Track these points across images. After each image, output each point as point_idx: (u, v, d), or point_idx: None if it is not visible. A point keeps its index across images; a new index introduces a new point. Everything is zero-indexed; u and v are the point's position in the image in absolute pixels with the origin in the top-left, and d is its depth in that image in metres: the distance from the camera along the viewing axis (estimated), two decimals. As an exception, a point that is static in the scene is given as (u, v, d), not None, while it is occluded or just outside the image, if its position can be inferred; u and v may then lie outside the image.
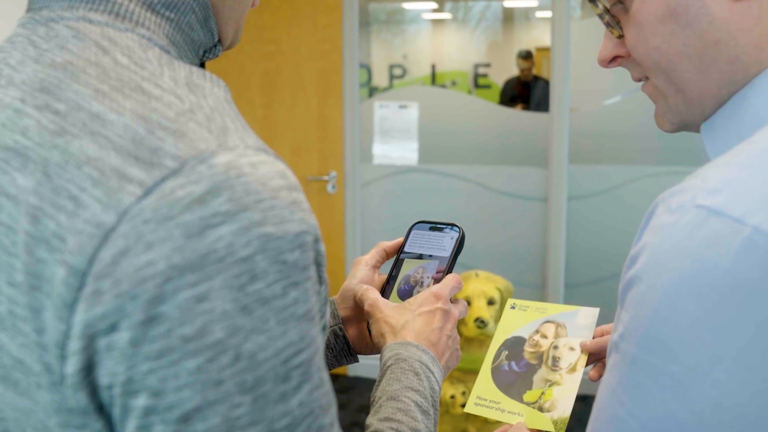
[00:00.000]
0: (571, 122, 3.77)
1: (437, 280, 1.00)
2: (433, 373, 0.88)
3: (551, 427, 1.07)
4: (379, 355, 0.94)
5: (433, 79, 7.70)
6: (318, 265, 0.59)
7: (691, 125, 0.73)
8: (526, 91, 5.76)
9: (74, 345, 0.51)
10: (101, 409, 0.53)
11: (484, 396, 1.14)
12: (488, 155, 4.04)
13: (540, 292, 3.89)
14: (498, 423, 2.58)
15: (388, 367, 0.87)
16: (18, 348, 0.53)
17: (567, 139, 3.73)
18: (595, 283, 3.86)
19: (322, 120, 4.02)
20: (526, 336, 1.20)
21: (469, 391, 3.06)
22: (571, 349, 1.16)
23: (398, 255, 1.06)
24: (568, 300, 3.81)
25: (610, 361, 0.63)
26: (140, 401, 0.51)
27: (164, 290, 0.50)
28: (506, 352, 1.19)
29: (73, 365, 0.51)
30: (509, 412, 1.11)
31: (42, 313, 0.51)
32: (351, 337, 1.03)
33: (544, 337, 1.19)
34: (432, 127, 4.10)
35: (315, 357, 0.57)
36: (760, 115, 0.66)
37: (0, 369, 0.55)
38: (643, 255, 0.60)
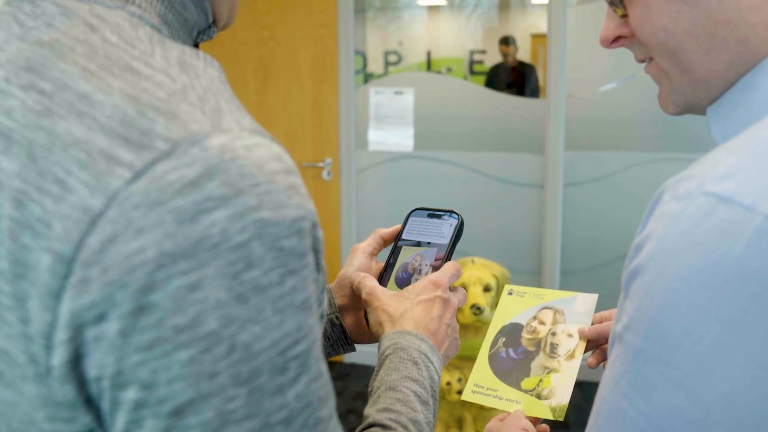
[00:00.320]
0: (567, 109, 3.76)
1: (436, 268, 0.99)
2: (432, 362, 0.86)
3: (549, 415, 1.06)
4: (376, 344, 0.92)
5: (429, 65, 7.67)
6: (316, 252, 0.57)
7: (697, 108, 0.71)
8: (511, 77, 5.80)
9: (61, 335, 0.49)
10: (90, 403, 0.52)
11: (481, 384, 1.14)
12: (484, 141, 4.03)
13: (536, 279, 3.89)
14: (495, 410, 2.59)
15: (387, 356, 0.85)
16: (2, 338, 0.52)
17: (563, 125, 3.73)
18: (591, 270, 3.87)
19: (317, 106, 4.01)
20: (523, 322, 1.20)
21: (465, 378, 3.07)
22: (570, 335, 1.15)
23: (396, 242, 1.05)
24: (564, 286, 3.81)
25: (614, 352, 0.62)
26: (130, 394, 0.50)
27: (155, 278, 0.48)
28: (503, 339, 1.19)
29: (59, 356, 0.50)
30: (507, 399, 1.11)
31: (27, 302, 0.50)
32: (348, 326, 1.02)
33: (542, 323, 1.19)
34: (428, 113, 4.09)
35: (313, 347, 0.55)
36: None
37: None
38: (649, 244, 0.58)
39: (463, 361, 3.10)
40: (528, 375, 1.13)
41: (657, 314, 0.56)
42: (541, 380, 1.11)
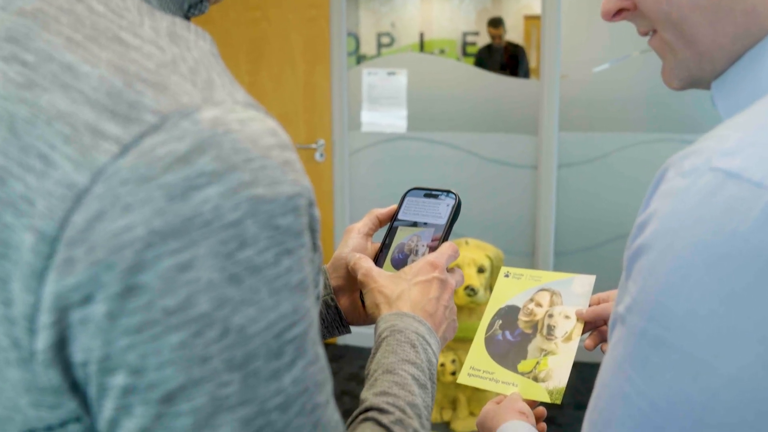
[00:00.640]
0: (561, 89, 3.75)
1: (433, 249, 0.98)
2: (430, 345, 0.85)
3: (547, 398, 1.07)
4: (371, 325, 0.91)
5: (422, 47, 7.64)
6: (312, 231, 0.56)
7: (701, 82, 0.69)
8: (501, 58, 5.81)
9: (44, 318, 0.47)
10: (76, 388, 0.50)
11: (477, 366, 1.14)
12: (478, 122, 4.02)
13: (530, 260, 3.90)
14: (491, 392, 2.60)
15: (384, 339, 0.84)
16: None
17: (557, 106, 3.72)
18: (585, 251, 3.87)
19: (310, 87, 3.99)
20: (520, 305, 1.20)
21: (460, 360, 3.08)
22: (567, 317, 1.15)
23: (392, 223, 1.04)
24: (558, 268, 3.82)
25: (615, 334, 0.60)
26: (118, 380, 0.48)
27: (144, 258, 0.46)
28: (500, 322, 1.19)
29: (43, 341, 0.48)
30: (503, 382, 1.11)
31: (9, 283, 0.48)
32: (343, 308, 1.01)
33: (539, 305, 1.19)
34: (421, 94, 4.07)
35: (309, 330, 0.54)
36: None
37: None
38: (653, 222, 0.56)
39: (457, 342, 3.10)
40: (525, 357, 1.12)
41: (661, 294, 0.54)
42: (538, 363, 1.11)
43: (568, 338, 1.12)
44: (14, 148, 0.48)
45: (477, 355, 1.15)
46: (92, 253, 0.46)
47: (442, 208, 1.02)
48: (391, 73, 4.08)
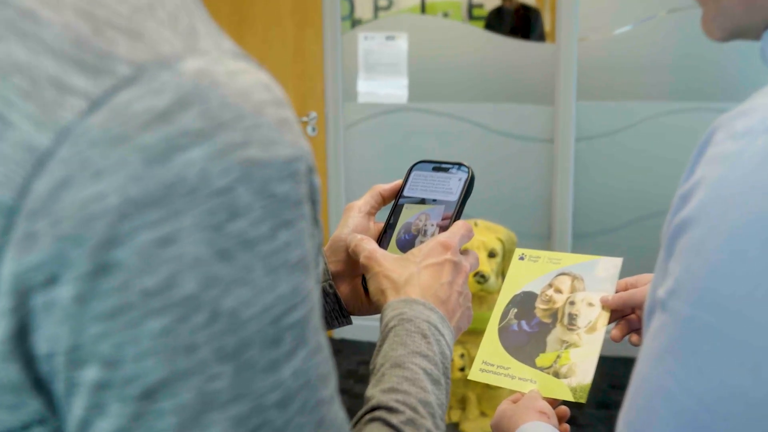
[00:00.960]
0: (580, 54, 3.74)
1: (443, 228, 0.97)
2: (443, 335, 0.84)
3: (569, 396, 1.06)
4: (376, 316, 0.91)
5: (423, 9, 7.62)
6: (313, 202, 0.55)
7: (748, 31, 0.68)
8: (513, 21, 5.80)
9: (2, 303, 0.46)
10: (40, 385, 0.48)
11: (490, 361, 1.14)
12: (487, 92, 4.02)
13: (545, 243, 3.91)
14: (504, 390, 2.58)
15: (391, 328, 0.83)
16: None
17: (575, 72, 3.72)
18: (607, 233, 3.88)
19: (300, 54, 3.97)
20: (537, 291, 1.19)
21: (469, 354, 3.08)
22: (590, 304, 1.15)
23: (397, 200, 1.03)
24: (577, 251, 3.81)
25: (655, 322, 0.59)
26: (90, 374, 0.46)
27: (118, 231, 0.45)
28: (515, 310, 1.19)
29: (1, 330, 0.46)
30: (520, 378, 1.11)
31: None
32: (343, 295, 1.00)
33: (559, 291, 1.18)
34: (424, 60, 4.07)
35: (311, 315, 0.53)
36: None
37: None
38: (699, 191, 0.55)
39: (466, 334, 3.09)
40: (544, 350, 1.12)
41: (710, 276, 0.53)
42: (558, 356, 1.10)
43: (592, 328, 1.12)
44: None
45: (490, 348, 1.14)
46: (57, 227, 0.45)
47: (454, 183, 1.01)
48: (389, 38, 4.07)
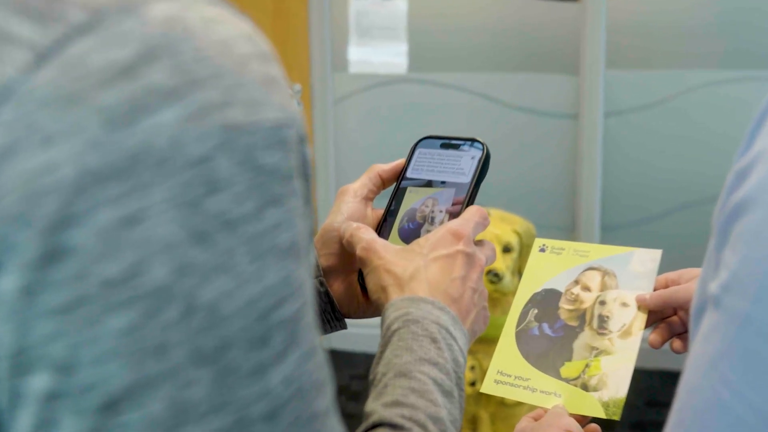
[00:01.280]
0: (609, 15, 3.76)
1: (454, 215, 0.97)
2: (455, 339, 0.85)
3: (601, 412, 1.06)
4: (374, 321, 0.92)
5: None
6: (305, 177, 0.55)
7: None
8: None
9: None
10: None
11: (507, 371, 1.14)
12: (500, 59, 4.05)
13: (569, 236, 3.94)
14: (524, 406, 2.57)
15: (394, 331, 0.84)
16: None
17: (603, 36, 3.73)
18: (642, 225, 3.92)
19: (281, 17, 4.00)
20: (561, 288, 1.20)
21: (481, 366, 3.09)
22: (624, 305, 1.14)
23: (399, 182, 1.04)
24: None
25: (705, 323, 0.59)
26: (39, 381, 0.46)
27: (74, 209, 0.45)
28: (535, 311, 1.19)
29: None
30: (542, 391, 1.11)
31: None
32: (336, 294, 1.01)
33: (587, 289, 1.18)
34: (426, 23, 4.09)
35: (304, 311, 0.53)
36: None
37: None
38: (759, 167, 0.56)
39: (478, 343, 3.09)
40: (570, 359, 1.12)
41: None
42: (587, 365, 1.10)
43: (626, 333, 1.12)
44: None
45: (506, 356, 1.14)
46: None
47: (466, 162, 1.01)
48: (386, -3, 4.11)
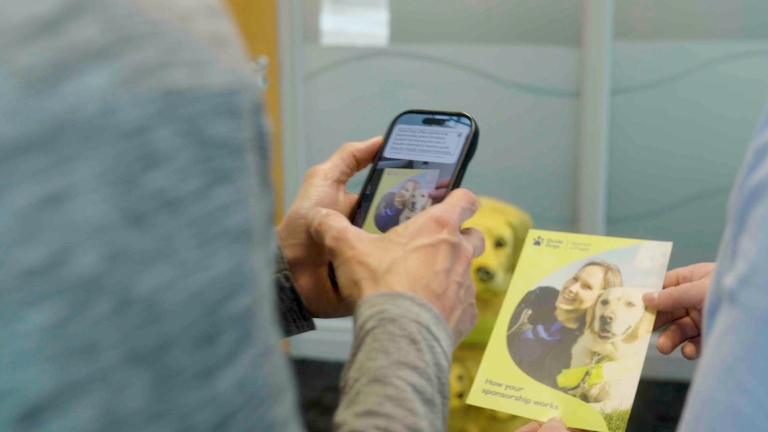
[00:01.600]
0: (615, -21, 3.79)
1: (437, 199, 0.98)
2: (438, 340, 0.85)
3: (603, 426, 1.07)
4: (347, 323, 0.89)
5: None
6: (262, 151, 0.55)
7: None
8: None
9: None
10: None
11: (497, 379, 1.14)
12: (493, 30, 4.06)
13: (570, 229, 3.95)
14: (517, 419, 2.58)
15: (368, 331, 0.84)
16: None
17: (611, 2, 3.74)
18: (650, 216, 3.94)
19: (245, -20, 3.99)
20: (559, 286, 1.20)
21: (470, 375, 3.10)
22: (630, 304, 1.15)
23: (375, 163, 1.05)
24: (611, 239, 3.85)
25: (720, 322, 0.59)
26: None
27: None
28: (529, 312, 1.19)
29: None
30: (536, 402, 1.11)
31: None
32: (303, 290, 1.01)
33: (587, 286, 1.18)
34: (409, -12, 4.11)
35: (259, 304, 0.53)
36: None
37: None
38: None
39: (466, 349, 3.10)
40: (568, 365, 1.12)
41: None
42: (587, 373, 1.10)
43: (632, 336, 1.12)
44: None
45: (496, 363, 1.15)
46: None
47: (451, 140, 1.02)
48: (364, -42, 4.10)
